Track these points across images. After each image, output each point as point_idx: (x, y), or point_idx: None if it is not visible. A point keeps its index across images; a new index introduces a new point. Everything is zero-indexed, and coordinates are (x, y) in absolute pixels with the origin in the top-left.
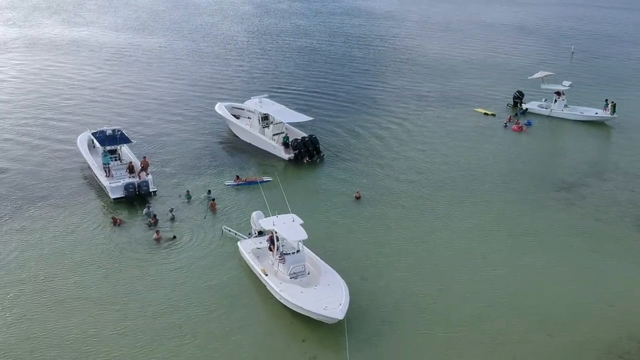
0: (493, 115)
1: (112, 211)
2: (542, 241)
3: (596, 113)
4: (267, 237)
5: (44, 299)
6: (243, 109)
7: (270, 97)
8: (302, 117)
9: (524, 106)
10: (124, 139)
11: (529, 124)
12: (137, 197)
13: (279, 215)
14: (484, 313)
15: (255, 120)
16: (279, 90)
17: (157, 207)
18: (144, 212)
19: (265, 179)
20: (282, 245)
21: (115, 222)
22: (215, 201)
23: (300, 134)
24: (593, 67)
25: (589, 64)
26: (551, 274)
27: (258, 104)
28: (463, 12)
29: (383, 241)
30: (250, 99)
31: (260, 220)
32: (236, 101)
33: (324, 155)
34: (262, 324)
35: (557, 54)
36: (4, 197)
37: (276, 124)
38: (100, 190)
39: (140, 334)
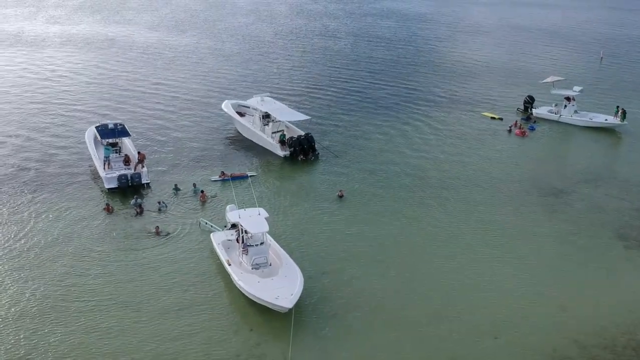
0: (500, 119)
1: (106, 200)
2: (511, 245)
3: (606, 119)
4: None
5: (18, 273)
6: (248, 107)
7: (280, 95)
8: (300, 116)
9: (534, 111)
10: (124, 133)
11: (532, 128)
12: (130, 188)
13: (246, 209)
14: (435, 313)
15: (256, 118)
16: (291, 89)
17: (149, 198)
18: (131, 203)
19: (250, 174)
20: (247, 238)
21: (109, 210)
22: (204, 192)
23: (299, 132)
24: (621, 73)
25: (617, 69)
26: (513, 277)
27: (260, 102)
28: (495, 15)
29: (353, 238)
30: (252, 97)
31: (228, 213)
32: (246, 99)
33: (318, 153)
34: (217, 310)
35: (586, 59)
36: (7, 180)
37: (276, 122)
38: (100, 181)
39: (103, 310)
